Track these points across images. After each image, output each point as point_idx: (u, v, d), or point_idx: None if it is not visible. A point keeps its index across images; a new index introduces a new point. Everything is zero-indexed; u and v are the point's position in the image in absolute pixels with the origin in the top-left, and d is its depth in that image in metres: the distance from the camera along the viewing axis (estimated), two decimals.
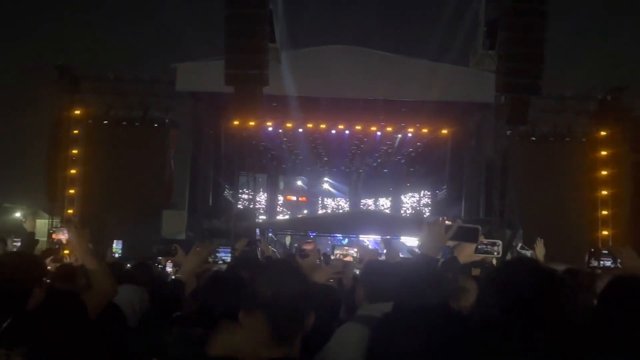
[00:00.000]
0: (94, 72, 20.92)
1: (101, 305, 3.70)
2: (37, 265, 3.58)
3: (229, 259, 6.33)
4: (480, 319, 2.16)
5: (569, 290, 2.24)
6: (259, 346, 2.08)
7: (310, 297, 2.20)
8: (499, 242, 3.63)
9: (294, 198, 32.14)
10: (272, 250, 19.61)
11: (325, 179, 31.80)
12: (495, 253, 3.61)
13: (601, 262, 3.86)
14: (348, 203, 31.72)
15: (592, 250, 3.78)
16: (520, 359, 2.03)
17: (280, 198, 31.56)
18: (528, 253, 8.21)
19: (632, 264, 3.81)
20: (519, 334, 2.04)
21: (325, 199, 32.14)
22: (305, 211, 31.20)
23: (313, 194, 32.02)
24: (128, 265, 8.24)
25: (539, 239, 7.45)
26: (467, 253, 3.53)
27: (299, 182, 32.25)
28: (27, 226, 6.29)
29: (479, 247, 3.52)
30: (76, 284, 4.45)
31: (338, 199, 32.14)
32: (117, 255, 16.90)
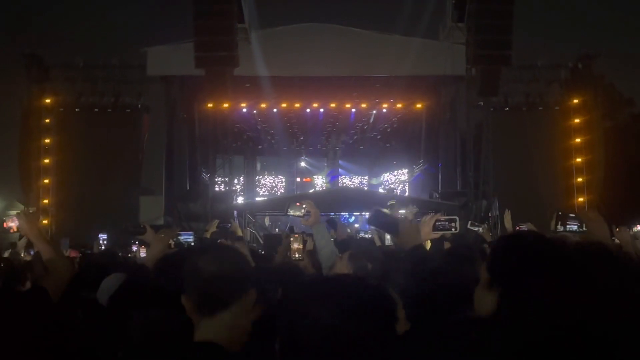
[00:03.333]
0: (63, 60, 20.69)
1: (60, 290, 3.71)
2: None
3: (192, 243, 6.32)
4: None
5: None
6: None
7: (245, 276, 2.21)
8: (456, 218, 3.67)
9: (299, 179, 32.01)
10: (251, 231, 19.69)
11: (303, 157, 31.70)
12: (453, 229, 3.65)
13: (567, 226, 3.90)
14: (359, 180, 31.69)
15: (559, 213, 3.80)
16: None
17: (282, 179, 31.47)
18: (480, 229, 8.28)
19: (597, 227, 3.84)
20: None
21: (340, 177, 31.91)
22: (281, 191, 31.12)
23: (290, 174, 31.88)
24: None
25: (507, 210, 7.52)
26: (426, 231, 3.57)
27: (303, 163, 32.12)
28: None
29: (437, 224, 3.55)
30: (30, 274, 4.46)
31: (342, 176, 32.05)
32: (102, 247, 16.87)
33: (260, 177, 31.99)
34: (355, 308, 1.67)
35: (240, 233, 9.02)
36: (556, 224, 4.08)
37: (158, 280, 3.31)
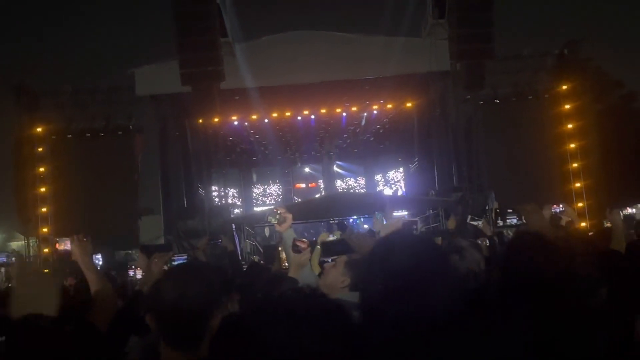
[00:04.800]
0: (52, 88, 20.77)
1: (106, 323, 3.67)
2: None
3: None
4: None
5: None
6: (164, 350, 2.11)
7: (213, 300, 2.22)
8: (417, 220, 3.80)
9: (304, 185, 32.02)
10: (251, 243, 19.72)
11: (306, 164, 31.65)
12: (415, 231, 3.77)
13: (507, 221, 3.96)
14: (358, 182, 31.63)
15: (497, 210, 3.89)
16: None
17: (276, 187, 31.48)
18: (479, 223, 8.34)
19: (535, 219, 3.94)
20: None
21: (336, 180, 31.85)
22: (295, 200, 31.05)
23: (286, 183, 31.82)
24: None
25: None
26: None
27: (307, 169, 32.14)
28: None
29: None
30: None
31: (347, 179, 32.03)
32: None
33: (257, 188, 32.00)
34: (307, 329, 1.69)
35: (231, 247, 9.05)
36: (496, 219, 4.21)
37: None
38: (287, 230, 4.46)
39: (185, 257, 6.68)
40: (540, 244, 2.54)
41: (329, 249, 4.05)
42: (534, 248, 2.51)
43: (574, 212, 7.31)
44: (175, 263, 6.31)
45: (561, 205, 11.32)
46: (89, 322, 3.53)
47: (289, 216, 4.44)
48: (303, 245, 4.59)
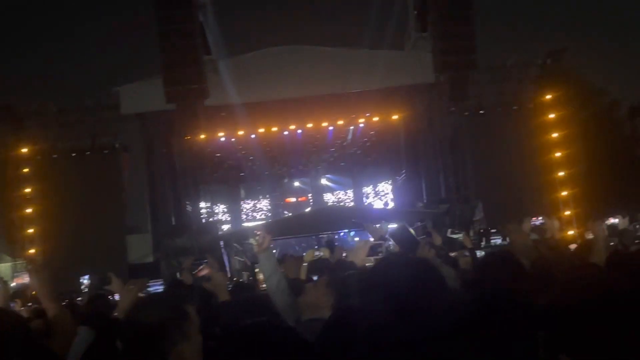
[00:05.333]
0: (36, 107, 20.67)
1: (66, 350, 3.70)
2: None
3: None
4: None
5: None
6: None
7: (175, 326, 2.25)
8: (383, 242, 3.82)
9: (294, 199, 31.98)
10: (239, 260, 19.65)
11: (296, 178, 31.64)
12: (380, 254, 3.81)
13: (491, 241, 3.99)
14: (347, 194, 31.56)
15: (482, 230, 3.94)
16: None
17: (265, 202, 31.47)
18: (460, 236, 8.38)
19: (518, 238, 3.96)
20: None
21: (325, 194, 31.84)
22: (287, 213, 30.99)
23: (275, 198, 31.77)
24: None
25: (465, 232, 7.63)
26: (361, 257, 3.66)
27: (297, 183, 32.10)
28: None
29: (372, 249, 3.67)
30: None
31: (337, 192, 31.97)
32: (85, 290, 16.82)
33: (247, 203, 31.90)
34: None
35: (216, 267, 8.98)
36: (480, 240, 4.26)
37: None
38: (265, 251, 4.51)
39: (161, 282, 6.62)
40: (508, 265, 2.56)
41: (313, 267, 4.11)
42: (501, 270, 2.53)
43: (553, 225, 7.34)
44: (150, 289, 6.29)
45: (540, 218, 11.35)
46: (50, 351, 3.56)
47: (268, 238, 4.49)
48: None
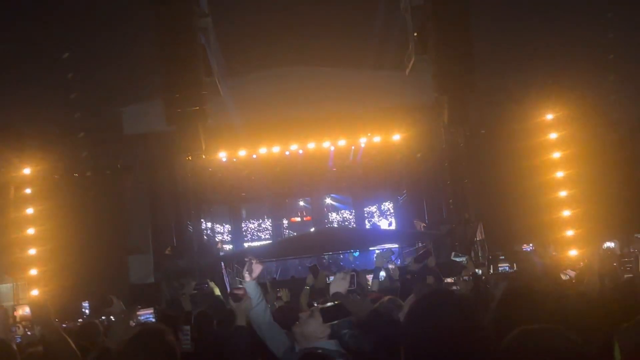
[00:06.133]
0: (38, 128, 20.71)
1: None
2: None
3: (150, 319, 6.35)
4: None
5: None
6: None
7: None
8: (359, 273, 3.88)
9: (299, 219, 31.98)
10: (240, 281, 19.61)
11: (301, 198, 31.72)
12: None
13: (500, 269, 3.97)
14: (352, 213, 31.53)
15: (490, 257, 3.90)
16: None
17: (285, 221, 31.48)
18: (463, 259, 8.35)
19: (526, 266, 3.96)
20: None
21: (330, 213, 31.91)
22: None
23: (276, 218, 31.75)
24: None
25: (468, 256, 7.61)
26: (344, 287, 3.70)
27: (302, 203, 32.13)
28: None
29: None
30: None
31: (342, 211, 31.97)
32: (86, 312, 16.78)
33: (252, 223, 31.82)
34: None
35: (217, 292, 9.02)
36: (489, 268, 4.24)
37: None
38: (253, 281, 4.61)
39: (152, 311, 6.61)
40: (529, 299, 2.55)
41: (328, 313, 4.13)
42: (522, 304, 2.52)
43: (545, 252, 7.30)
44: (141, 318, 6.29)
45: (530, 245, 11.33)
46: None
47: (258, 268, 4.59)
48: (240, 293, 4.74)
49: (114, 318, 5.22)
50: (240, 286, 4.87)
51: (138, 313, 6.46)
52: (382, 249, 19.19)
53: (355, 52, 20.52)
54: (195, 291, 8.48)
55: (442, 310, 2.37)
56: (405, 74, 19.95)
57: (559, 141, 20.40)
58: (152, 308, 6.88)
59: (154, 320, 6.41)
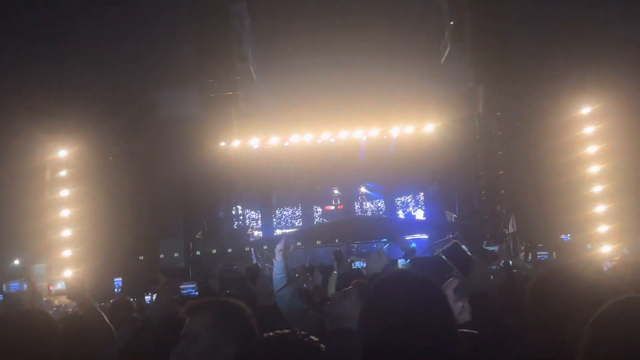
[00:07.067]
0: (74, 111, 20.93)
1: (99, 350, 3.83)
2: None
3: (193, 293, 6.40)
4: None
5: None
6: None
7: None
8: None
9: (333, 207, 32.00)
10: (270, 267, 19.70)
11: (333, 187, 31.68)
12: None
13: (538, 256, 3.86)
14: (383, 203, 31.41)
15: (528, 244, 3.78)
16: None
17: (319, 209, 31.51)
18: (496, 249, 8.26)
19: (564, 255, 3.89)
20: None
21: (365, 202, 31.86)
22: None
23: (306, 206, 31.73)
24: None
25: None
26: (380, 266, 3.66)
27: (336, 191, 32.13)
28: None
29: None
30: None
31: (377, 200, 31.90)
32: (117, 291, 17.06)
33: (286, 210, 31.83)
34: None
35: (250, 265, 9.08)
36: (526, 256, 4.12)
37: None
38: (282, 261, 4.69)
39: (195, 284, 6.68)
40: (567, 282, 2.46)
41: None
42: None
43: (582, 245, 7.14)
44: (184, 291, 6.35)
45: (569, 234, 11.13)
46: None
47: (288, 250, 4.68)
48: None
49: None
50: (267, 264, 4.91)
51: (181, 286, 6.55)
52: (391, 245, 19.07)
53: (389, 41, 20.33)
54: (224, 273, 8.51)
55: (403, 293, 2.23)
56: (440, 62, 19.78)
57: (595, 135, 20.07)
58: (194, 282, 6.97)
59: (196, 293, 6.49)
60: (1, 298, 12.92)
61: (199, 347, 2.70)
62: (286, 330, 2.07)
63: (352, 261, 9.31)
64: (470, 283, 3.46)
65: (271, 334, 2.06)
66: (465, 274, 3.61)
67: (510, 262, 8.33)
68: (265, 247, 19.74)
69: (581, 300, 2.20)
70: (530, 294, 2.49)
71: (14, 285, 14.53)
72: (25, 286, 13.97)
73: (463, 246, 3.91)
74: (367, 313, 2.23)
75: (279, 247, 4.80)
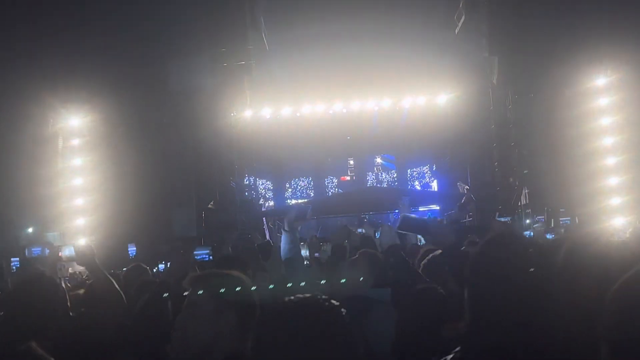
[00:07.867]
0: (86, 80, 20.89)
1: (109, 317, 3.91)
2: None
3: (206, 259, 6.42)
4: None
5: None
6: None
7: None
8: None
9: (349, 177, 32.10)
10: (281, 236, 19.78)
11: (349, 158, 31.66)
12: None
13: (561, 221, 3.85)
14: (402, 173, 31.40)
15: (550, 210, 3.76)
16: None
17: (334, 180, 31.62)
18: (507, 220, 8.26)
19: (587, 220, 3.87)
20: None
21: (381, 173, 31.92)
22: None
23: (317, 177, 31.73)
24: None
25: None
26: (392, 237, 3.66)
27: (351, 162, 32.18)
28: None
29: None
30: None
31: (392, 171, 31.93)
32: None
33: (301, 180, 31.90)
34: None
35: (262, 238, 9.12)
36: (548, 222, 4.12)
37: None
38: (293, 231, 4.73)
39: (208, 250, 6.74)
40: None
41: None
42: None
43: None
44: (197, 257, 6.38)
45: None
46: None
47: (302, 220, 4.75)
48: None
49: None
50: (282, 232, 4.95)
51: (195, 252, 6.58)
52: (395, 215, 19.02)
53: (404, 10, 20.13)
54: (238, 241, 8.52)
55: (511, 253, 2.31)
56: (455, 33, 19.58)
57: (609, 106, 19.87)
58: (208, 248, 7.01)
59: (210, 258, 6.53)
60: (18, 264, 13.08)
61: (202, 314, 2.79)
62: (307, 294, 2.08)
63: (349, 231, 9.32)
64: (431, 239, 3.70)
65: (292, 297, 2.06)
66: (425, 235, 3.89)
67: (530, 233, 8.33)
68: (277, 220, 19.89)
69: (613, 268, 2.17)
70: (564, 257, 2.44)
71: (36, 250, 14.68)
72: (47, 251, 14.07)
73: (411, 215, 4.07)
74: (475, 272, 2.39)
75: (289, 217, 4.84)
